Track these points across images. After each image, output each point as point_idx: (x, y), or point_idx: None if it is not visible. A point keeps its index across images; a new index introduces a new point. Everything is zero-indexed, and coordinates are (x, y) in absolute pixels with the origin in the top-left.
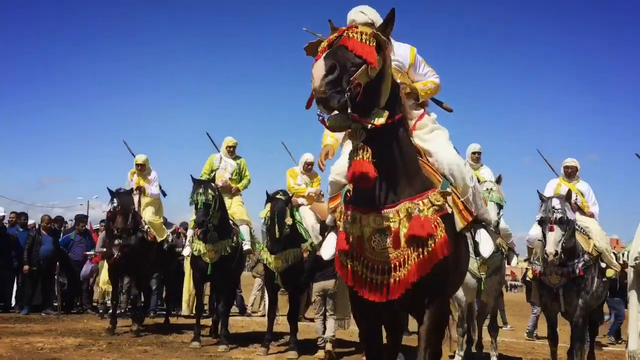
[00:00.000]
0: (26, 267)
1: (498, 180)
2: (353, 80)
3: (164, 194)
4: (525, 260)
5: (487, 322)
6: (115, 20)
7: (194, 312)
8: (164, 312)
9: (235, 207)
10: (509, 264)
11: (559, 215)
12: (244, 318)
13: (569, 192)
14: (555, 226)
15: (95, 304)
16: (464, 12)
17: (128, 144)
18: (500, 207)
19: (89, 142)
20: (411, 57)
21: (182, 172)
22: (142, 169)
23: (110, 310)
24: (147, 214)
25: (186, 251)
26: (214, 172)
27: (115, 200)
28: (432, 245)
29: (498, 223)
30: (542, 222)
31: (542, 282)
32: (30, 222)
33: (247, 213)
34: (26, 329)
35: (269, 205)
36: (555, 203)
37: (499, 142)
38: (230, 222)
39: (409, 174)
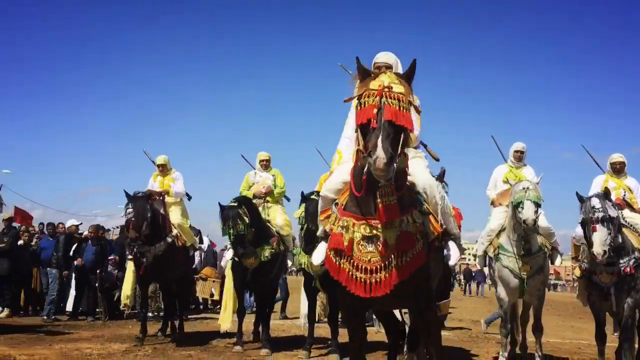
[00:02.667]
0: (65, 272)
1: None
2: (400, 153)
3: (189, 197)
4: (573, 259)
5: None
6: (159, 37)
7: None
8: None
9: (273, 215)
10: (552, 263)
11: (600, 215)
12: (285, 322)
13: (607, 190)
14: (598, 226)
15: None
16: (509, 6)
17: (148, 153)
18: (538, 205)
19: (128, 153)
20: None
21: (215, 180)
22: (164, 170)
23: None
24: (176, 217)
25: (228, 255)
26: (251, 187)
27: (130, 205)
28: (412, 255)
29: (535, 221)
30: (584, 224)
31: (591, 280)
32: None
33: (289, 222)
34: (74, 335)
35: (303, 205)
36: (595, 202)
37: (538, 138)
38: (273, 229)
39: (403, 191)
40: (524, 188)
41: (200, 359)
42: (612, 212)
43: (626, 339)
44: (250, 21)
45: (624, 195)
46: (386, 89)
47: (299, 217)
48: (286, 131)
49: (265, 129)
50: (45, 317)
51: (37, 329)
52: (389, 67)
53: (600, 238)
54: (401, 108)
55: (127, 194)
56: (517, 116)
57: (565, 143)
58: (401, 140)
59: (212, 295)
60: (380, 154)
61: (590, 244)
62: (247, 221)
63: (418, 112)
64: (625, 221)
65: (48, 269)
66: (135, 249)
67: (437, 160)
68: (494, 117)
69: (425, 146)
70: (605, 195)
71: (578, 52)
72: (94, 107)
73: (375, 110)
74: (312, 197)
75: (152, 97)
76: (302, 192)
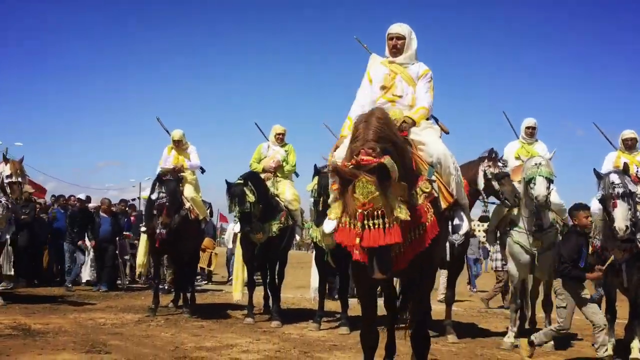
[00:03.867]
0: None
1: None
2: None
3: (203, 171)
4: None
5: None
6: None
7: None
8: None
9: (282, 189)
10: None
11: (620, 190)
12: (295, 295)
13: (626, 165)
14: (618, 201)
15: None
16: None
17: (162, 121)
18: (550, 181)
19: (140, 127)
20: (422, 74)
21: (226, 154)
22: (179, 145)
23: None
24: (189, 191)
25: (237, 227)
26: (262, 160)
27: (163, 187)
28: (425, 227)
29: (547, 197)
30: (603, 201)
31: (604, 256)
32: (91, 204)
33: (297, 196)
34: (88, 305)
35: (316, 178)
36: (614, 178)
37: (551, 115)
38: (281, 203)
39: (406, 173)
40: (536, 164)
41: (212, 330)
42: (632, 187)
43: (637, 315)
44: None
45: (637, 171)
46: (366, 212)
47: (312, 190)
48: (297, 104)
49: (277, 102)
50: (68, 285)
51: (54, 299)
52: (401, 38)
53: (622, 213)
54: (387, 225)
55: (158, 176)
56: (529, 92)
57: (578, 120)
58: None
59: (209, 264)
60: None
61: (611, 220)
62: (254, 199)
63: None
64: (639, 198)
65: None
66: (161, 230)
67: (447, 133)
68: (506, 92)
69: (436, 120)
70: (624, 170)
71: (591, 29)
72: (105, 80)
73: (357, 240)
74: (325, 170)
75: (164, 69)
76: (315, 165)
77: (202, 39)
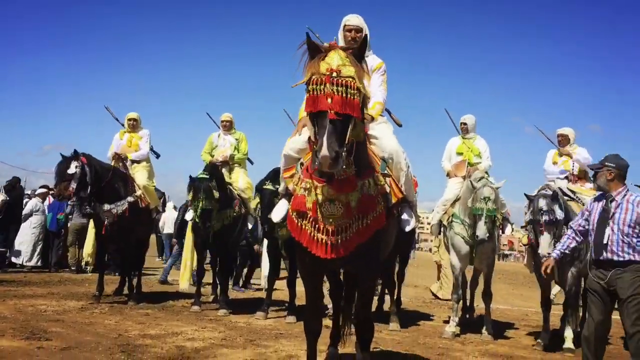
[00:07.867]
0: None
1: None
2: (347, 144)
3: (157, 156)
4: (522, 227)
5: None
6: None
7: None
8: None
9: (235, 177)
10: (503, 232)
11: (547, 218)
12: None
13: (555, 193)
14: (545, 230)
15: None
16: None
17: (111, 109)
18: (494, 216)
19: (90, 111)
20: (376, 67)
21: (181, 140)
22: (135, 126)
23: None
24: (142, 178)
25: (189, 215)
26: (214, 150)
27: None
28: (372, 217)
29: (487, 235)
30: (530, 224)
31: (537, 250)
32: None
33: (250, 185)
34: (29, 291)
35: (258, 195)
36: (542, 204)
37: (499, 112)
38: (235, 192)
39: (361, 160)
40: (484, 198)
41: (157, 318)
42: (559, 214)
43: (570, 306)
44: None
45: (573, 166)
46: (335, 74)
47: (256, 208)
48: (255, 90)
49: (233, 89)
50: None
51: None
52: (359, 30)
53: (546, 241)
54: (349, 95)
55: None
56: (480, 89)
57: (526, 117)
58: (349, 129)
59: None
60: (324, 153)
61: (537, 244)
62: (217, 196)
63: (368, 97)
64: (576, 196)
65: None
66: (87, 209)
67: (400, 126)
68: (453, 89)
69: (389, 112)
70: (553, 197)
71: (541, 28)
72: (53, 62)
73: (328, 100)
74: (265, 187)
75: (115, 53)
76: (255, 187)
77: (154, 24)
